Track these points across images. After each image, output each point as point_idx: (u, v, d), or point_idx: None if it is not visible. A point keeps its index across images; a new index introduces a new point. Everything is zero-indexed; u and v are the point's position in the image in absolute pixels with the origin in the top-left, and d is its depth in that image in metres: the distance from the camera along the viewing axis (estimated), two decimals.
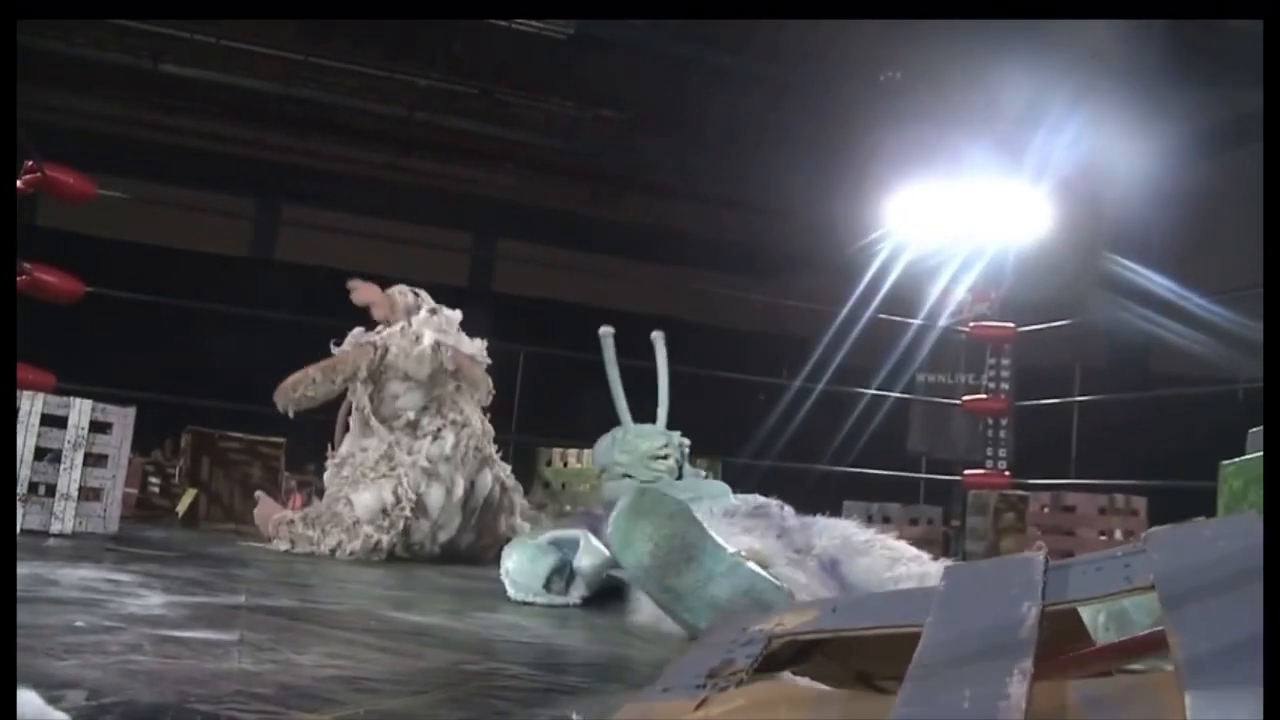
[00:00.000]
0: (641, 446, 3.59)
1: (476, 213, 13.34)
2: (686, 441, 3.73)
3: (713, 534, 2.13)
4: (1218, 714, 0.67)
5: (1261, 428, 2.56)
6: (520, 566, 2.78)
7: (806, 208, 11.63)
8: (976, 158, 8.23)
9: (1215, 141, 10.48)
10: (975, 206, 7.71)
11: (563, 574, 2.77)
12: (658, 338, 4.12)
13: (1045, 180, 8.01)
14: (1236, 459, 2.24)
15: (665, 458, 3.58)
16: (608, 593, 2.77)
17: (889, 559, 2.48)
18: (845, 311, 7.35)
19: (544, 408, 4.13)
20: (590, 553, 2.79)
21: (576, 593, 2.76)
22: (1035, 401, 6.77)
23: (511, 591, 2.74)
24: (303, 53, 10.79)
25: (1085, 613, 1.16)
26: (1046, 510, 4.86)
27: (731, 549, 2.12)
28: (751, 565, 2.11)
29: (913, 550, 2.60)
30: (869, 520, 5.15)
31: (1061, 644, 1.05)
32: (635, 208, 13.58)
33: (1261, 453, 2.12)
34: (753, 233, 13.29)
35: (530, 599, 2.70)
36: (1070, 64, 8.50)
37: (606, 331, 4.05)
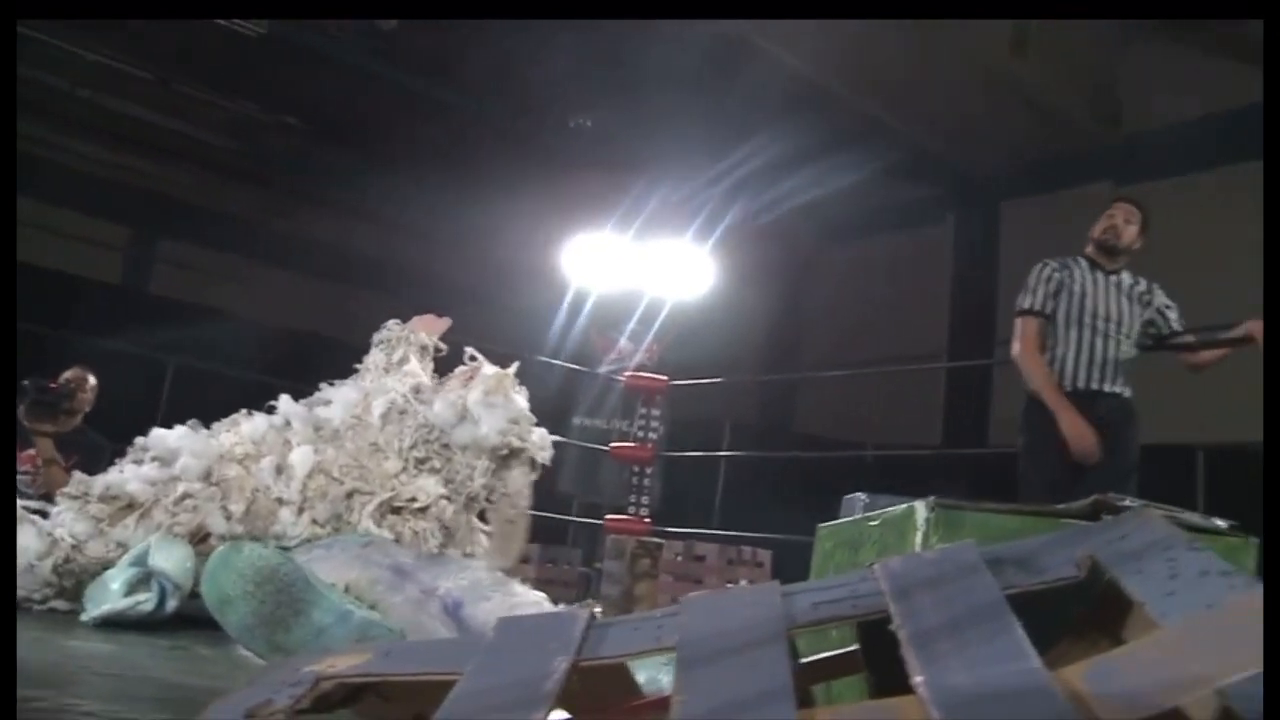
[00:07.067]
0: None
1: (138, 208, 12.55)
2: None
3: (317, 581, 2.07)
4: None
5: (857, 495, 2.81)
6: (95, 584, 2.62)
7: (482, 244, 11.70)
8: (652, 212, 8.58)
9: (895, 215, 11.43)
10: (646, 259, 8.02)
11: (148, 584, 2.60)
12: None
13: (712, 239, 8.45)
14: (831, 522, 2.43)
15: None
16: None
17: (510, 604, 2.53)
18: (516, 353, 7.40)
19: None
20: (164, 550, 2.62)
21: (172, 602, 2.58)
22: (679, 453, 7.10)
23: (84, 614, 2.57)
24: None
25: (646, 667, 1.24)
26: (679, 558, 5.07)
27: (336, 590, 2.08)
28: (363, 612, 2.07)
29: (536, 595, 2.65)
30: None
31: (616, 696, 1.12)
32: (310, 221, 13.15)
33: (852, 518, 2.30)
34: (427, 262, 13.13)
35: (102, 611, 2.52)
36: (753, 129, 9.08)
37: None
